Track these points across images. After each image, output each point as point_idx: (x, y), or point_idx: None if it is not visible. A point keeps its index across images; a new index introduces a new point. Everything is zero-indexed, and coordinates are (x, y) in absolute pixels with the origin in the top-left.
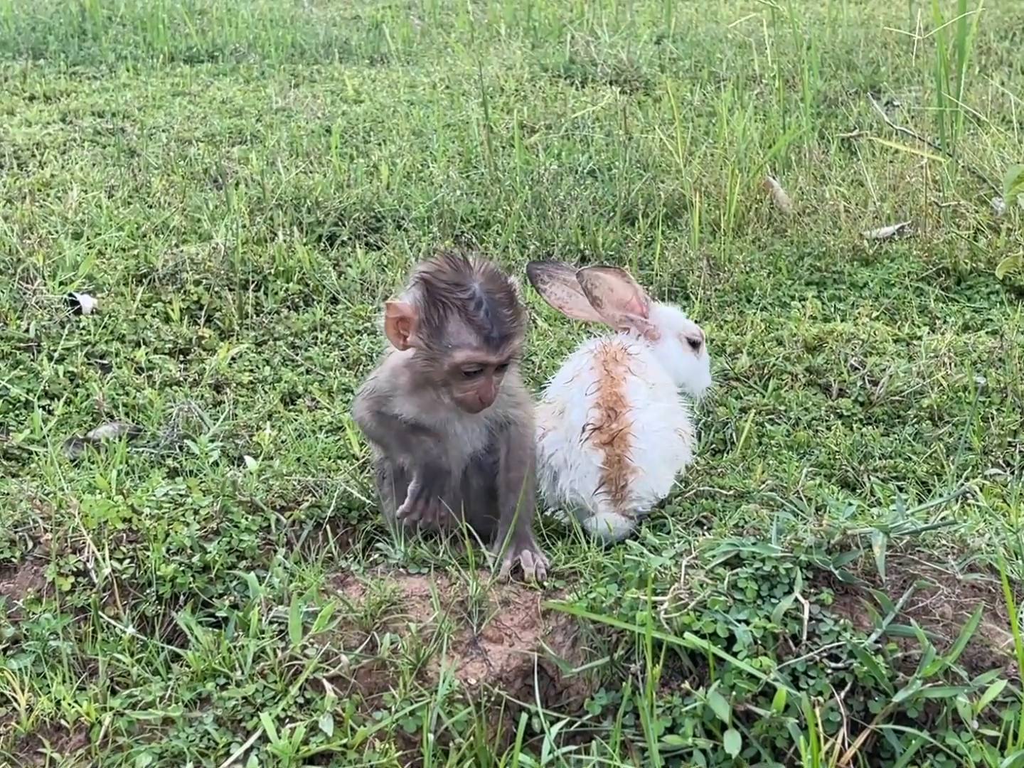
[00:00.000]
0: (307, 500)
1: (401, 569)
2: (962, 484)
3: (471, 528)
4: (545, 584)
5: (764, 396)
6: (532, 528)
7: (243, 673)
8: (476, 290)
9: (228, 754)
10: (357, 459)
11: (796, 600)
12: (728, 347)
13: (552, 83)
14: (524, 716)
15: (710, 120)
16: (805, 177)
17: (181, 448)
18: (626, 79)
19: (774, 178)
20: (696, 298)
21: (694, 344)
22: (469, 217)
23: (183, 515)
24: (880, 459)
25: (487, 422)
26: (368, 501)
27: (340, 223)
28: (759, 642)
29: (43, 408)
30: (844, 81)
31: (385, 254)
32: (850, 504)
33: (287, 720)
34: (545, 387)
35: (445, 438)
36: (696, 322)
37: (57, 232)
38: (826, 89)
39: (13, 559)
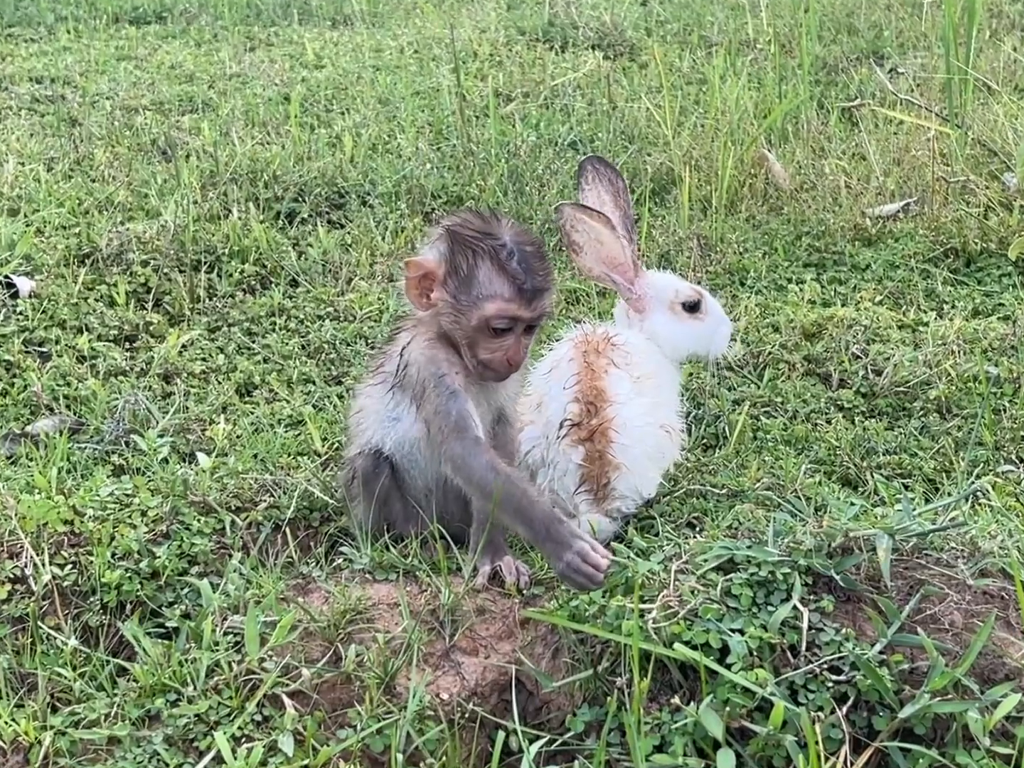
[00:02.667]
0: (265, 500)
1: (367, 575)
2: (972, 482)
3: (443, 530)
4: (524, 592)
5: (759, 387)
6: (505, 538)
7: (195, 688)
8: (508, 240)
9: None
10: (319, 456)
11: (794, 608)
12: None
13: (530, 47)
14: (501, 734)
15: (700, 88)
16: (803, 150)
17: (127, 444)
18: (610, 43)
19: (769, 151)
20: (686, 280)
21: (692, 307)
22: (440, 193)
23: (130, 517)
24: (884, 455)
25: (501, 409)
26: (331, 501)
27: (300, 199)
28: (755, 653)
29: None
30: (845, 46)
31: (349, 232)
32: (852, 504)
33: (243, 739)
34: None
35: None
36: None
37: None
38: (825, 55)
39: None
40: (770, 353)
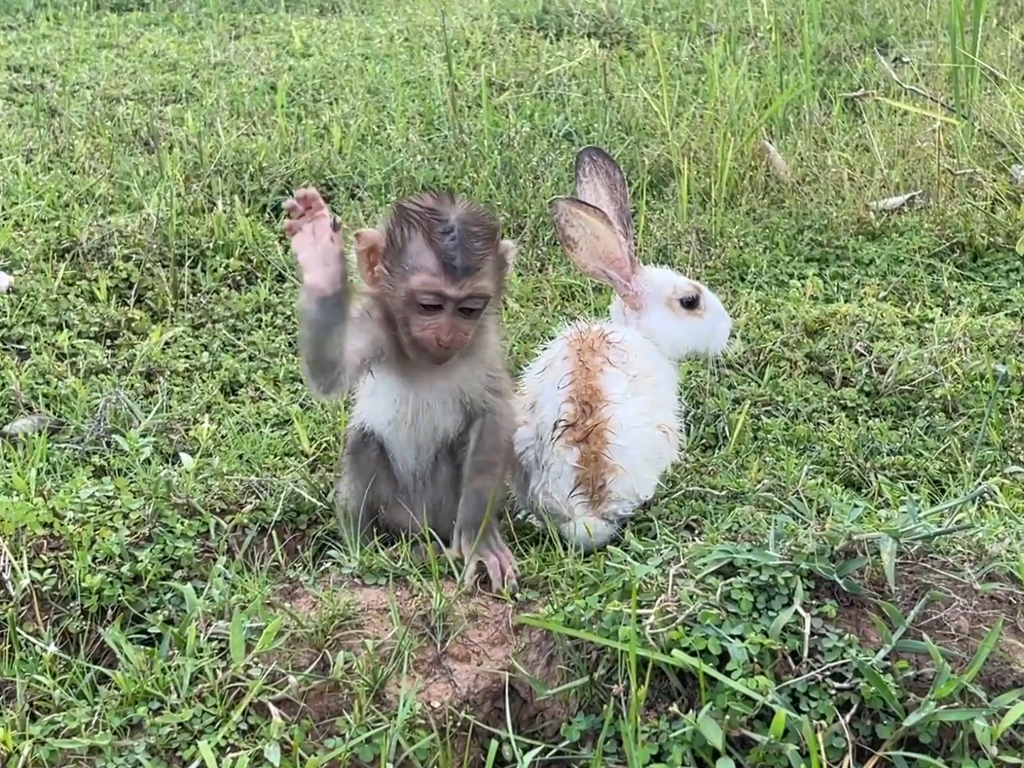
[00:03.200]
0: (250, 502)
1: (356, 579)
2: (979, 483)
3: (433, 532)
4: (517, 596)
5: (760, 385)
6: (500, 527)
7: (179, 697)
8: (451, 218)
9: None
10: (306, 456)
11: (796, 613)
12: None
13: (524, 35)
14: (494, 743)
15: (699, 78)
16: (805, 141)
17: (108, 444)
18: (606, 31)
19: (770, 142)
20: (684, 275)
21: (690, 303)
22: (431, 185)
23: (111, 519)
24: (888, 455)
25: (462, 397)
26: (319, 504)
27: (287, 191)
28: (755, 660)
29: None
30: (848, 34)
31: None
32: (855, 506)
33: (228, 749)
34: (519, 376)
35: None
36: None
37: None
38: (828, 43)
39: None
40: (771, 350)
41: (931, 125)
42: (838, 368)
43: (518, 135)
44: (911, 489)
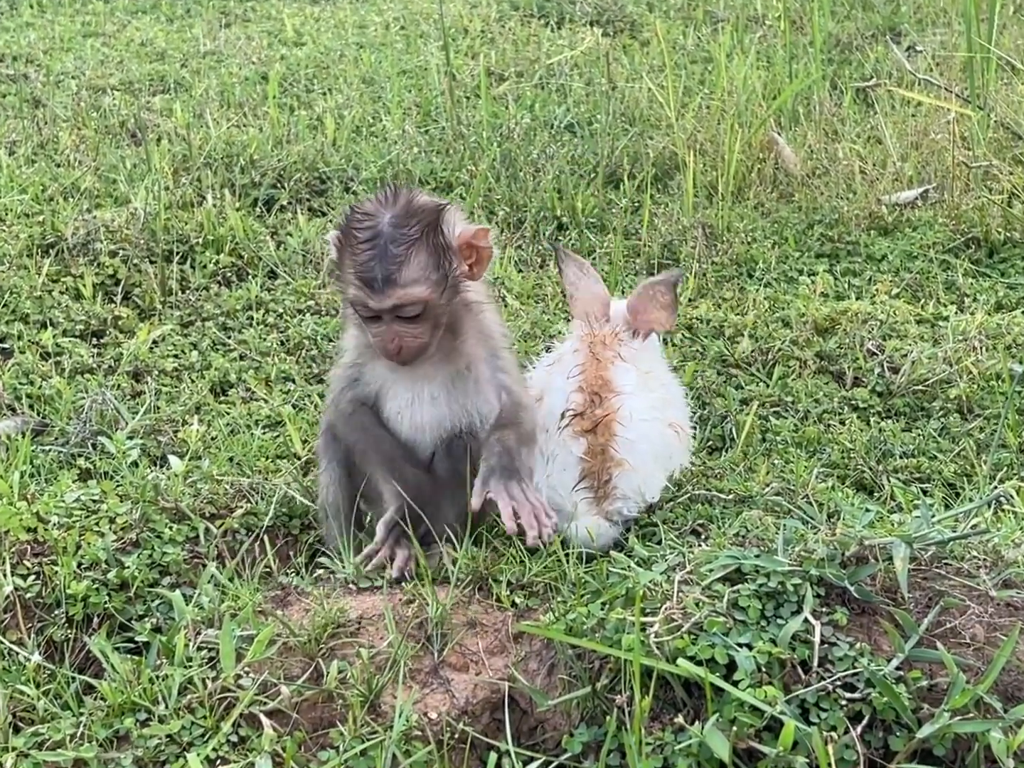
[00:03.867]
0: (241, 506)
1: (350, 585)
2: (995, 486)
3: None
4: (544, 546)
5: (768, 386)
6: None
7: (167, 707)
8: (380, 224)
9: None
10: (299, 458)
11: (806, 621)
12: (727, 329)
13: (524, 23)
14: (493, 755)
15: (706, 67)
16: (815, 133)
17: (94, 446)
18: (609, 19)
19: (779, 134)
20: (690, 272)
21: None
22: (428, 178)
23: (97, 524)
24: (901, 458)
25: (467, 377)
26: (313, 507)
27: (279, 185)
28: (763, 669)
29: None
30: (859, 22)
31: (331, 221)
32: (867, 510)
33: (219, 761)
34: (527, 373)
35: (416, 403)
36: (691, 300)
37: None
38: (839, 32)
39: None
40: (780, 350)
41: (945, 116)
42: (849, 368)
43: (518, 126)
44: (925, 493)
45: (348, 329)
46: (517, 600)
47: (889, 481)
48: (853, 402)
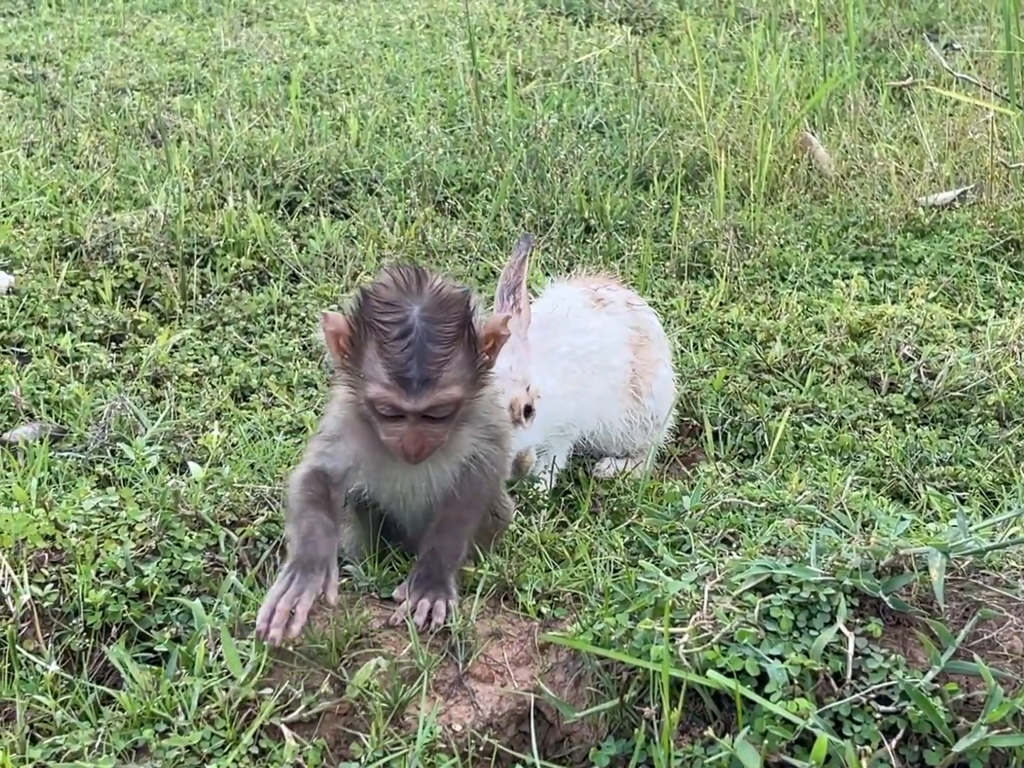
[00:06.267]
0: (262, 514)
1: (372, 594)
2: None
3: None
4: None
5: (801, 391)
6: (456, 579)
7: (186, 718)
8: (411, 315)
9: None
10: None
11: (839, 632)
12: (759, 333)
13: (551, 21)
14: None
15: (737, 66)
16: (850, 133)
17: (113, 452)
18: (638, 17)
19: (813, 134)
20: (721, 275)
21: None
22: (453, 180)
23: (115, 532)
24: (938, 465)
25: (459, 457)
26: None
27: (301, 187)
28: (795, 681)
29: None
30: (895, 20)
31: (354, 223)
32: (903, 519)
33: None
34: None
35: (403, 496)
36: (722, 304)
37: None
38: (874, 29)
39: None
40: (813, 354)
41: (984, 116)
42: (884, 373)
43: (545, 127)
44: (962, 501)
45: (332, 406)
46: (543, 610)
47: (925, 489)
48: (888, 408)
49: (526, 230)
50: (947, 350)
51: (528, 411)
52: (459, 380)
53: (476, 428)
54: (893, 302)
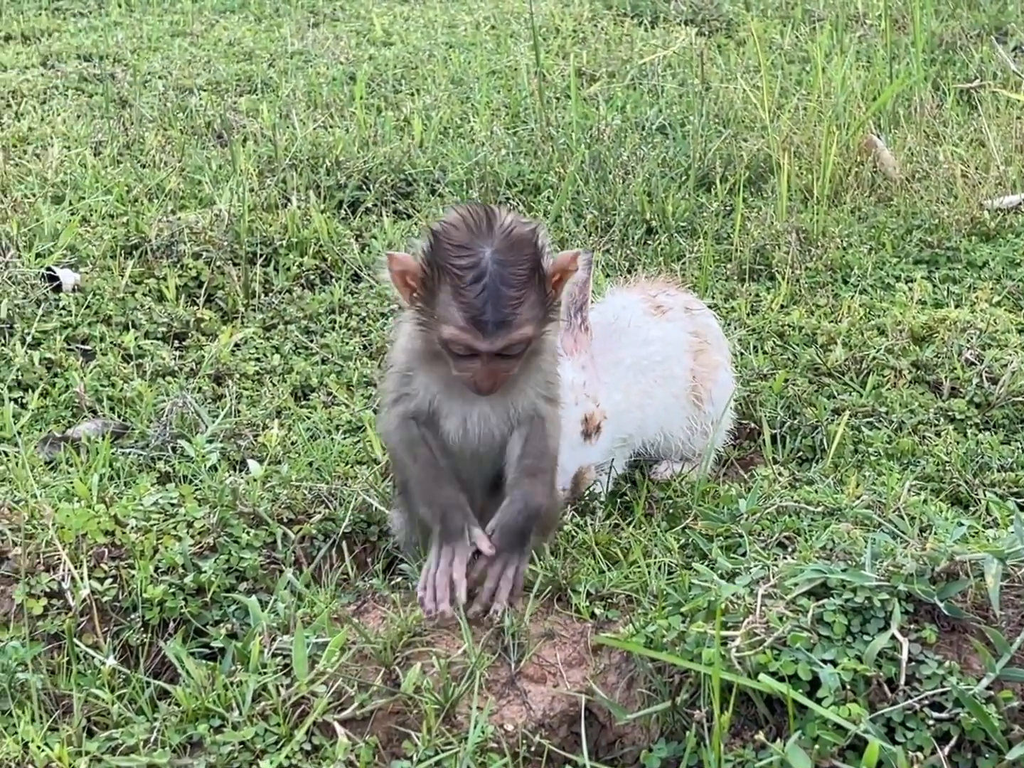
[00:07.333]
0: (319, 512)
1: None
2: None
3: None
4: (493, 616)
5: (862, 395)
6: (536, 541)
7: (241, 714)
8: (484, 258)
9: None
10: (378, 464)
11: (893, 638)
12: (820, 336)
13: (617, 23)
14: None
15: (803, 68)
16: (915, 135)
17: (174, 449)
18: (704, 18)
19: (878, 136)
20: (783, 278)
21: None
22: (516, 181)
23: (174, 528)
24: (999, 471)
25: (515, 405)
26: (390, 514)
27: (364, 187)
28: (848, 686)
29: (14, 401)
30: (964, 21)
31: (416, 223)
32: (960, 524)
33: None
34: None
35: (466, 422)
36: (783, 307)
37: (34, 195)
38: (942, 31)
39: None
40: (874, 358)
41: None
42: (946, 377)
43: (608, 128)
44: (1021, 508)
45: (400, 340)
46: (596, 611)
47: (985, 495)
48: (950, 413)
49: (587, 231)
50: (1010, 355)
51: (598, 428)
52: (531, 320)
53: (535, 377)
54: (956, 306)
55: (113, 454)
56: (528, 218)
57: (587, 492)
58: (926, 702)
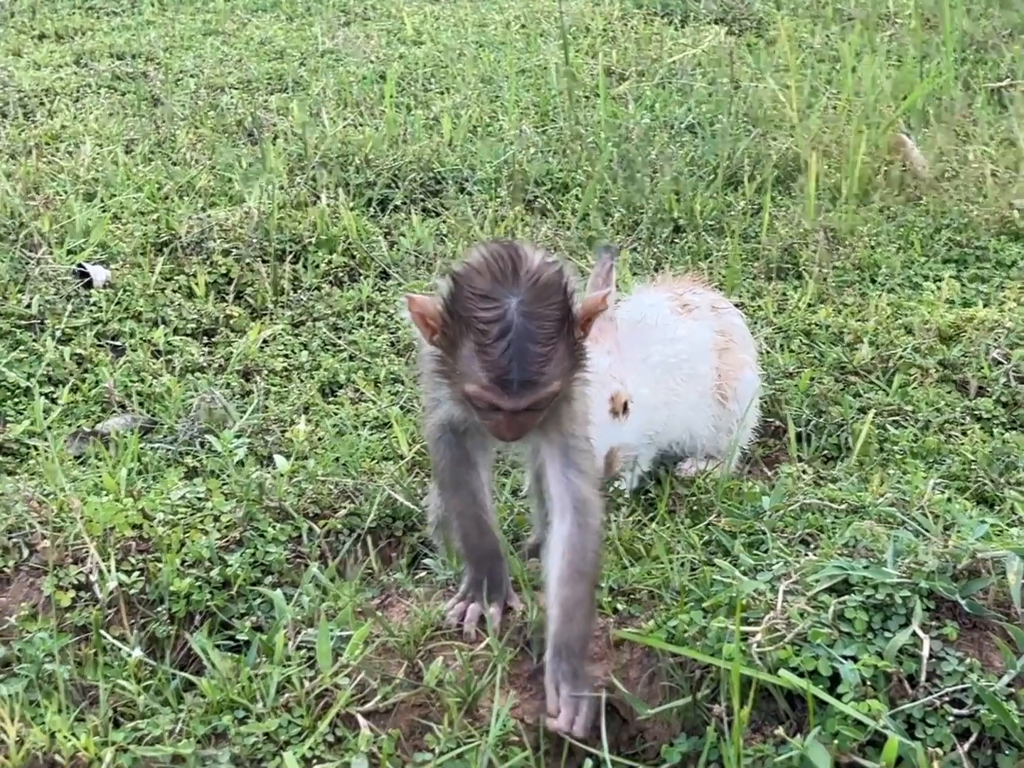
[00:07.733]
0: (345, 507)
1: (451, 587)
2: None
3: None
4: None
5: (888, 394)
6: (587, 660)
7: (265, 705)
8: (509, 310)
9: None
10: (403, 460)
11: (914, 634)
12: (847, 335)
13: (646, 22)
14: (590, 763)
15: (833, 66)
16: (945, 135)
17: (202, 444)
18: (734, 17)
19: (908, 136)
20: (810, 276)
21: None
22: (544, 179)
23: (201, 522)
24: None
25: (535, 456)
26: (416, 509)
27: (393, 185)
28: (868, 683)
29: (45, 396)
30: (995, 20)
31: (445, 221)
32: (983, 522)
33: (314, 760)
34: None
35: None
36: (810, 305)
37: (66, 192)
38: (973, 30)
39: (6, 569)
40: (901, 357)
41: None
42: (973, 377)
43: (637, 127)
44: None
45: (425, 376)
46: (618, 606)
47: (1010, 494)
48: (976, 412)
49: (615, 230)
50: None
51: (625, 407)
52: (559, 375)
53: (556, 424)
54: (984, 305)
55: (142, 449)
56: (552, 256)
57: (619, 472)
58: (946, 699)
